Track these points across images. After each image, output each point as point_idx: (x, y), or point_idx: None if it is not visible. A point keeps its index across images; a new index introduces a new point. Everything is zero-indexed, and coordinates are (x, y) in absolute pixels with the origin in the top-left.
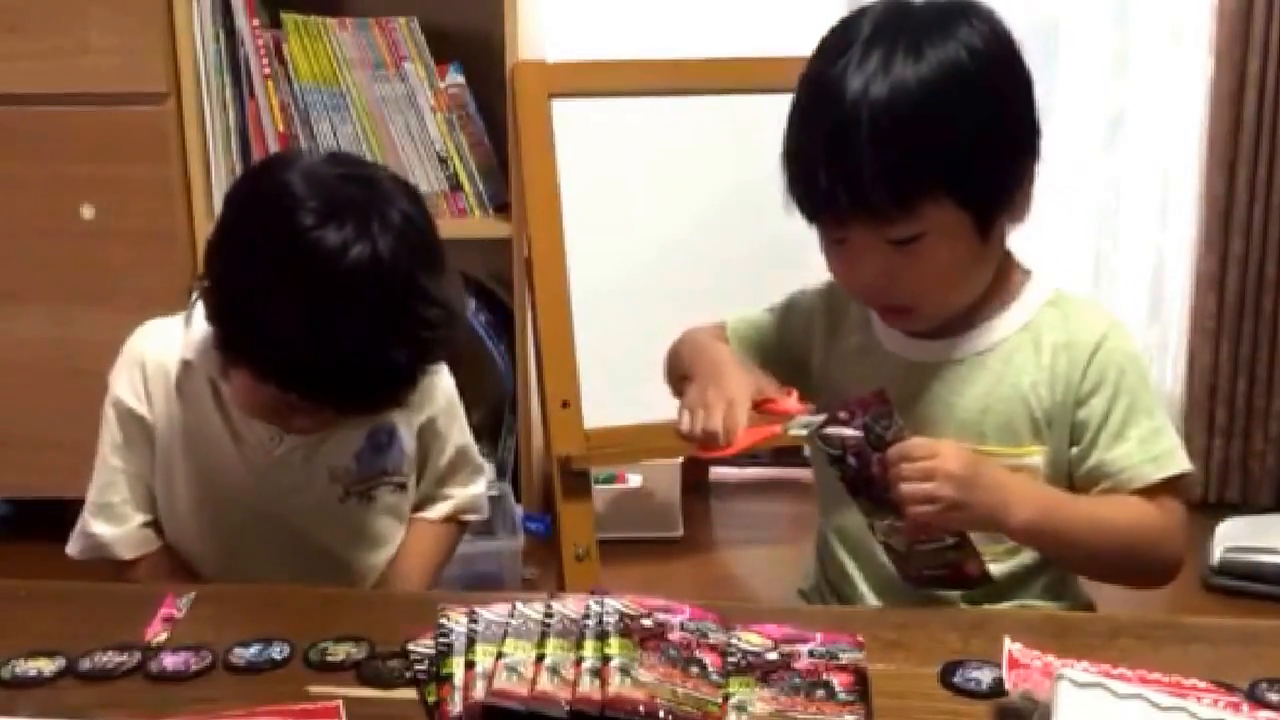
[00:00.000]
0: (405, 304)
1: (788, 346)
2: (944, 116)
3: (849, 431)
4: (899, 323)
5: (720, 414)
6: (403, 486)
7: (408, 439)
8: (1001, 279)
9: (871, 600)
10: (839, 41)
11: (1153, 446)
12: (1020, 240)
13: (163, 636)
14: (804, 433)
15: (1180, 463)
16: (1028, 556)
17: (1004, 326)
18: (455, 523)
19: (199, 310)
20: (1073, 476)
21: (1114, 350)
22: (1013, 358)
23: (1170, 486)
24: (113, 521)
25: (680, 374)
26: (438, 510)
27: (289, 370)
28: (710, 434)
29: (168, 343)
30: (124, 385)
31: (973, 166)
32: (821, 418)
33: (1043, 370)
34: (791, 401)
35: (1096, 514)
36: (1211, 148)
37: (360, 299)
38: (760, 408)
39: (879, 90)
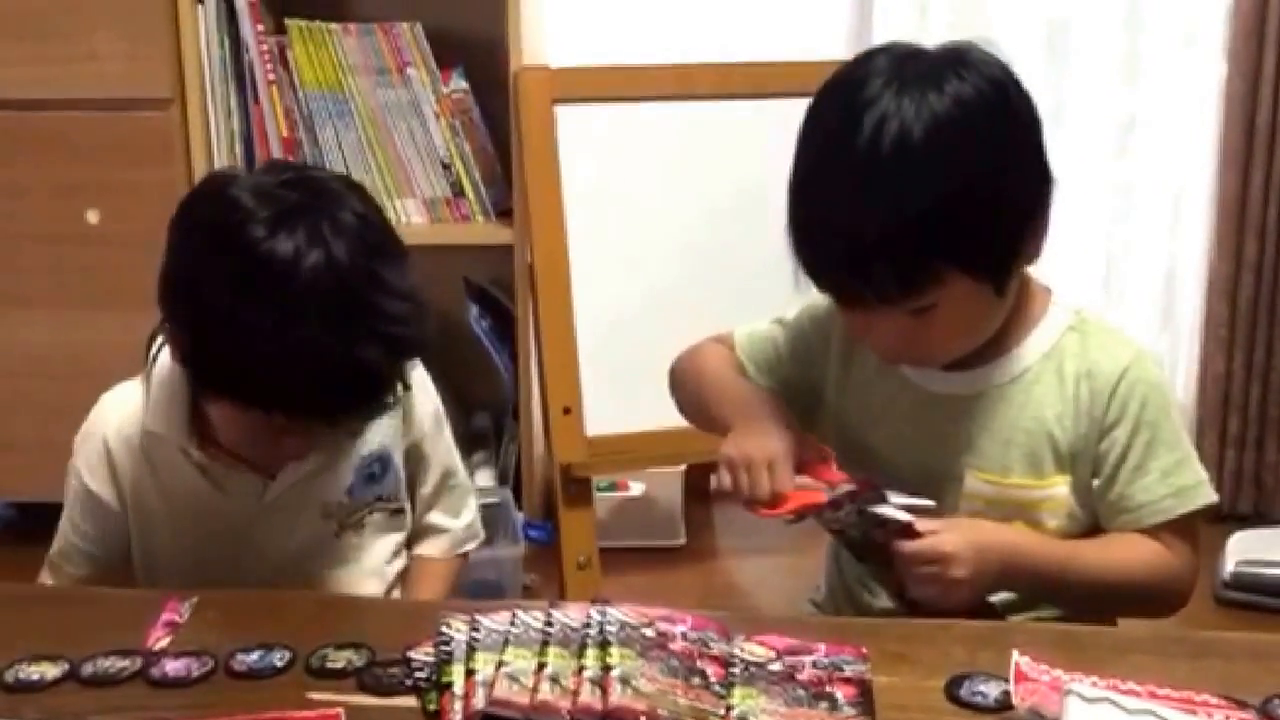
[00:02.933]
0: (370, 303)
1: (801, 366)
2: (949, 195)
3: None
4: (916, 365)
5: (765, 475)
6: (398, 511)
7: (399, 464)
8: (1022, 305)
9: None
10: (840, 113)
11: (1175, 480)
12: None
13: (165, 642)
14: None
15: (1204, 496)
16: None
17: (1026, 356)
18: (455, 561)
19: (157, 371)
20: (1096, 508)
21: (1137, 381)
22: (1034, 388)
23: (1190, 520)
24: (62, 583)
25: (701, 406)
26: (438, 547)
27: (268, 392)
28: (757, 498)
29: (130, 414)
30: (83, 462)
31: (981, 241)
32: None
33: (1066, 401)
34: (833, 469)
35: (1113, 555)
36: (1224, 152)
37: (325, 305)
38: (803, 472)
39: (878, 201)
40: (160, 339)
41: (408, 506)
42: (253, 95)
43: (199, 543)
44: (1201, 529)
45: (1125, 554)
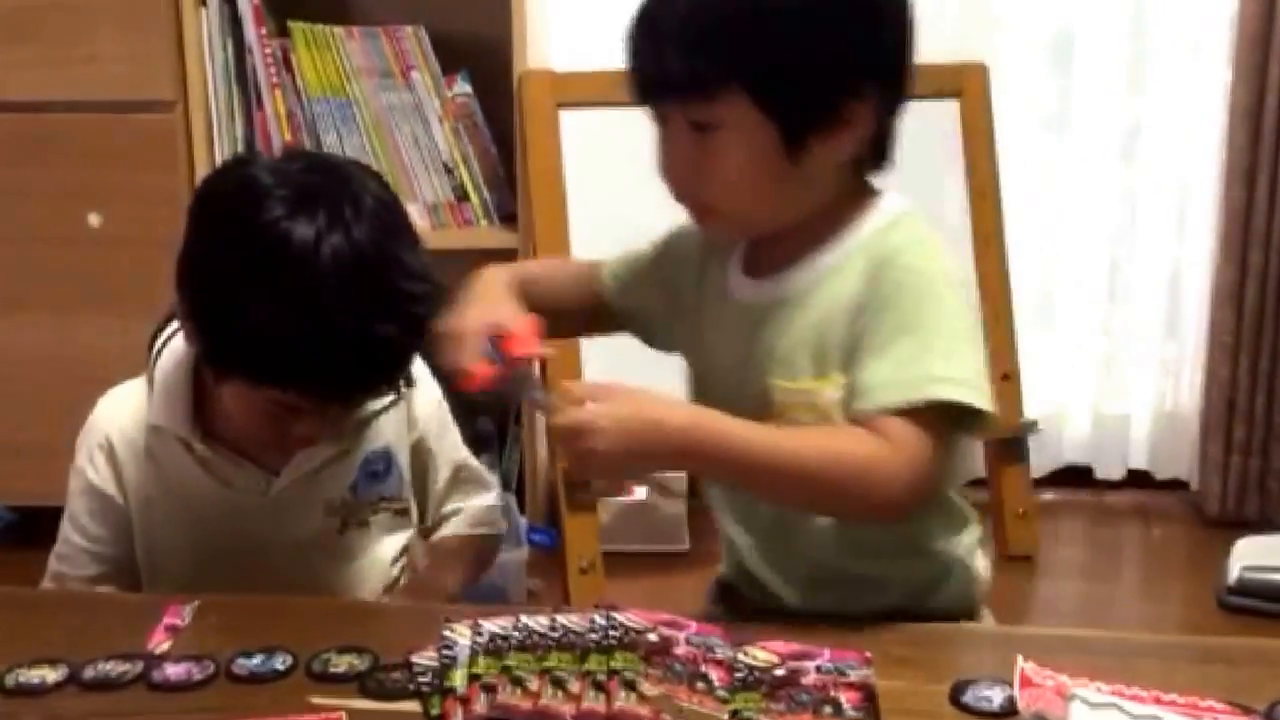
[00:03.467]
0: (389, 282)
1: (666, 280)
2: (753, 9)
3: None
4: (706, 226)
5: (451, 349)
6: (403, 512)
7: (403, 463)
8: (839, 210)
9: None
10: None
11: (912, 368)
12: (1036, 253)
13: (165, 646)
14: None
15: (945, 391)
16: (886, 561)
17: (832, 258)
18: (475, 539)
19: (161, 366)
20: None
21: (903, 267)
22: (830, 284)
23: (929, 417)
24: (69, 586)
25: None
26: (452, 526)
27: (283, 368)
28: (450, 370)
29: (132, 411)
30: (87, 460)
31: (776, 70)
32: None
33: (854, 295)
34: (534, 344)
35: (801, 451)
36: (1230, 160)
37: (345, 285)
38: (499, 345)
39: None
40: (163, 336)
41: (413, 507)
42: (255, 98)
43: (202, 539)
44: (1207, 534)
45: (829, 440)
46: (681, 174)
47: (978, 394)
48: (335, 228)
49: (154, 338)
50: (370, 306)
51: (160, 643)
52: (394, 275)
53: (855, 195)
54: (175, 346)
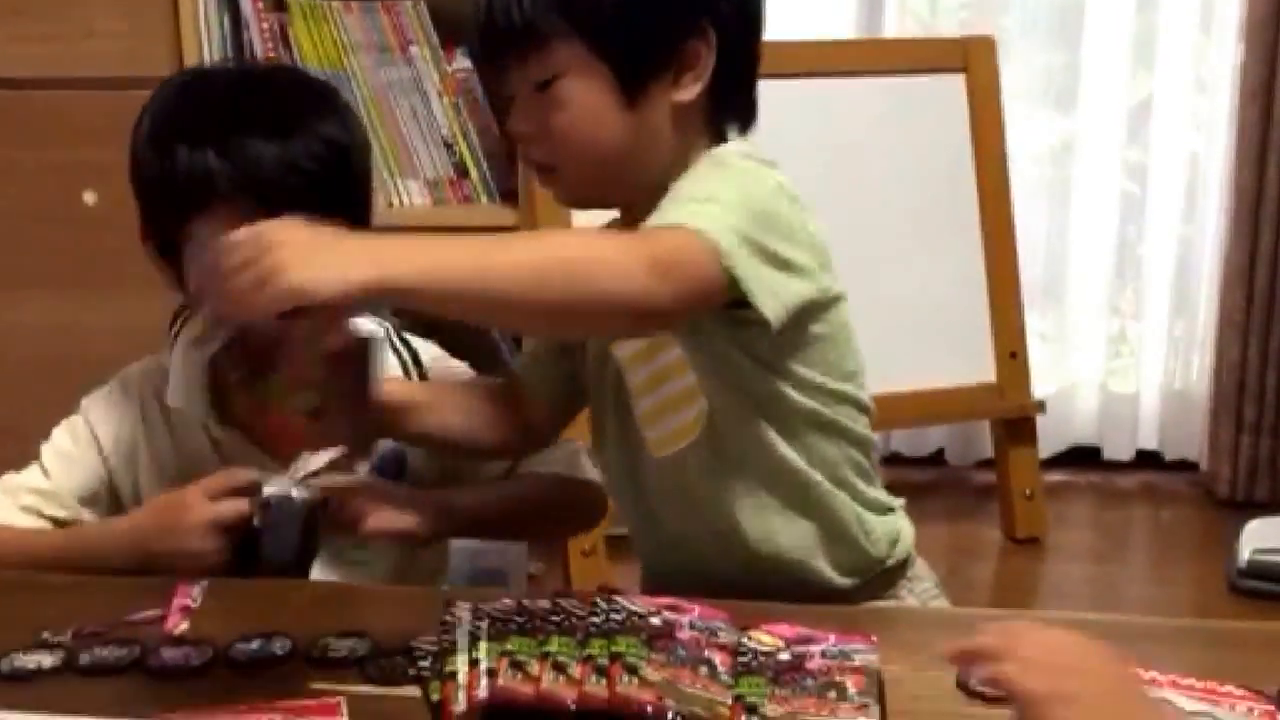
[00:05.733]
0: (289, 98)
1: None
2: None
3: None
4: (549, 187)
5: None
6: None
7: (422, 469)
8: (688, 159)
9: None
10: None
11: (691, 207)
12: (1044, 229)
13: (184, 626)
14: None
15: (697, 228)
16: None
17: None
18: (539, 476)
19: (179, 347)
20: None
21: (715, 156)
22: None
23: (684, 241)
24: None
25: None
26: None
27: (206, 183)
28: None
29: (152, 379)
30: (101, 410)
31: (608, 11)
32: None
33: None
34: None
35: (491, 252)
36: (1240, 137)
37: (245, 98)
38: None
39: None
40: (183, 317)
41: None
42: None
43: None
44: (1217, 516)
45: (556, 235)
46: (524, 133)
47: (721, 226)
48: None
49: (174, 319)
50: (275, 120)
51: (178, 623)
52: (294, 96)
53: (701, 148)
54: (192, 329)
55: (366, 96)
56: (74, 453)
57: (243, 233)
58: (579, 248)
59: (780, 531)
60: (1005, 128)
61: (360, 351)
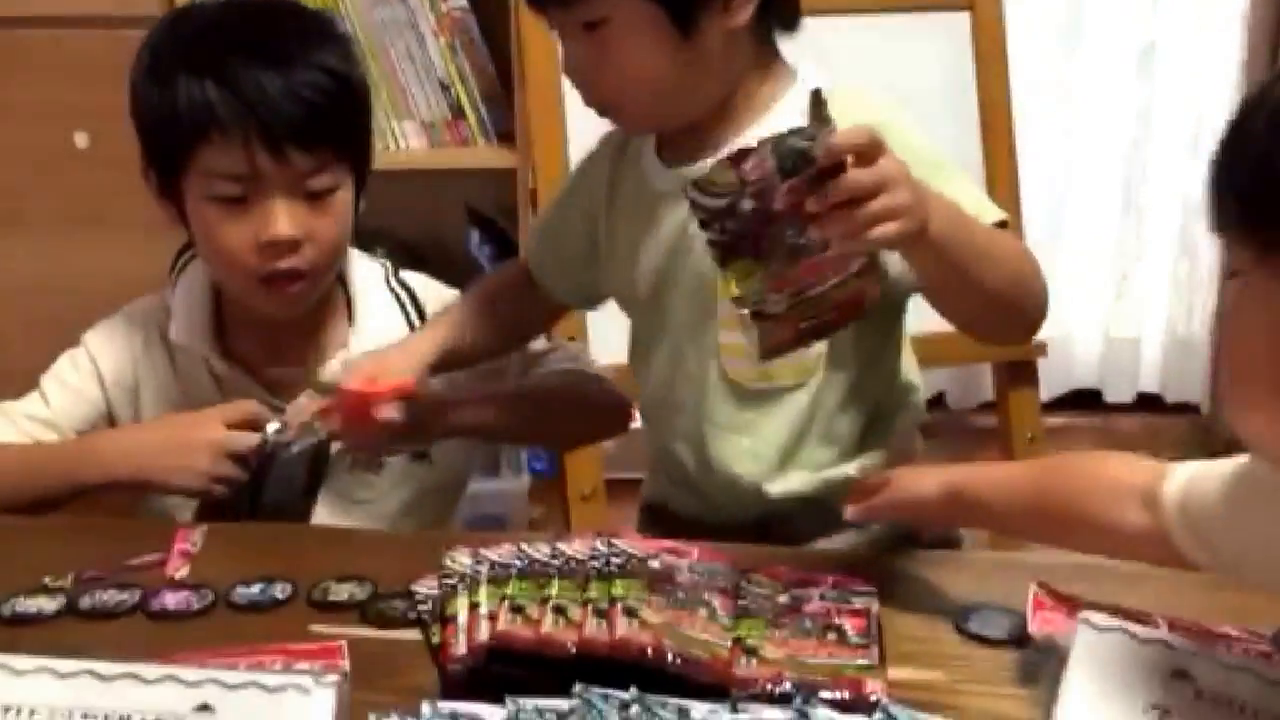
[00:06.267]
0: (290, 34)
1: (585, 218)
2: None
3: (749, 167)
4: (620, 124)
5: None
6: (420, 456)
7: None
8: (754, 89)
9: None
10: None
11: (962, 202)
12: (1047, 170)
13: (184, 571)
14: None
15: (996, 211)
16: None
17: (762, 133)
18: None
19: (182, 284)
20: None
21: (888, 126)
22: None
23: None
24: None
25: None
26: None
27: (204, 116)
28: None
29: (156, 316)
30: (103, 343)
31: None
32: None
33: None
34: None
35: (992, 234)
36: (1248, 78)
37: (245, 33)
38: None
39: None
40: (186, 255)
41: (436, 453)
42: None
43: None
44: (1206, 454)
45: (1002, 235)
46: (583, 77)
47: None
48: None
49: (177, 257)
50: (274, 50)
51: (179, 567)
52: (294, 28)
53: (767, 70)
54: (196, 266)
55: (361, 36)
56: (75, 383)
57: (872, 174)
58: (1022, 247)
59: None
60: (1009, 67)
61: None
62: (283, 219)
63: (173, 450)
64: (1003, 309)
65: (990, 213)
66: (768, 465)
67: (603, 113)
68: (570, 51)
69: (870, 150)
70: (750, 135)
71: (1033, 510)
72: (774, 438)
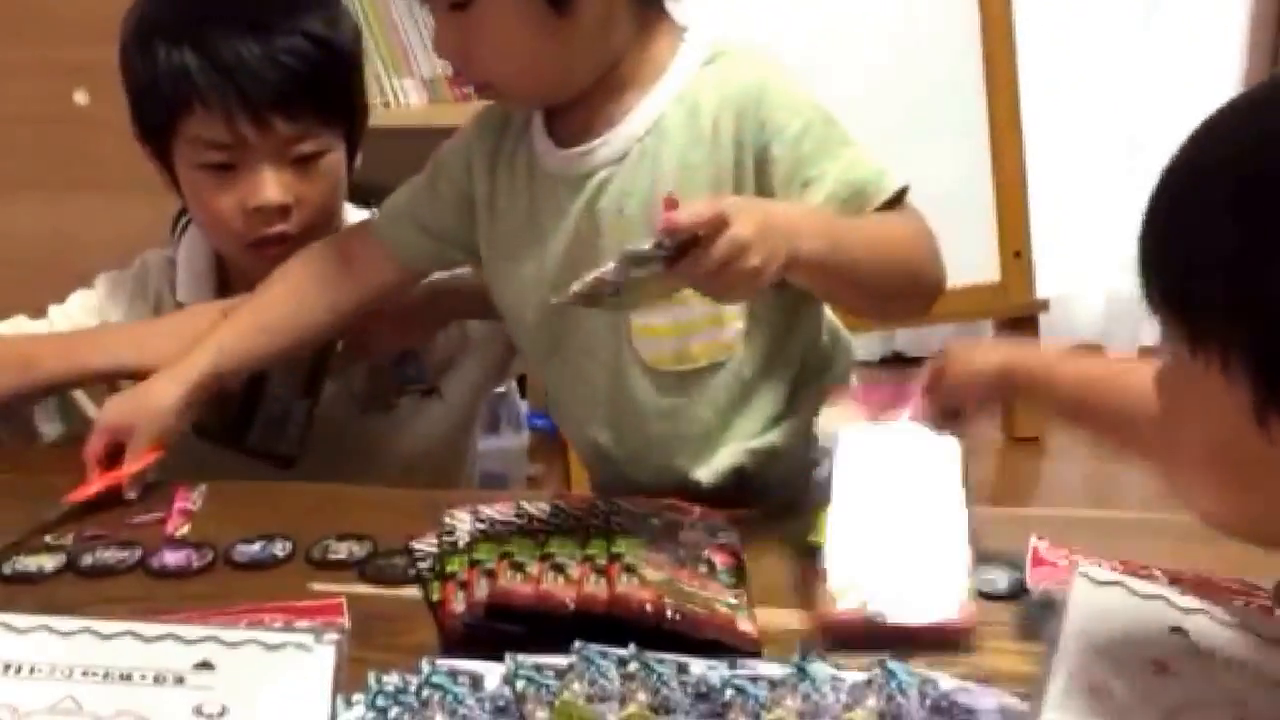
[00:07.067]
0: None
1: (457, 198)
2: None
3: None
4: (498, 102)
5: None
6: (430, 393)
7: (429, 348)
8: (640, 57)
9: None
10: None
11: (857, 172)
12: (1050, 125)
13: (185, 529)
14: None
15: (894, 181)
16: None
17: (654, 104)
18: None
19: (185, 243)
20: None
21: (780, 90)
22: (669, 134)
23: (896, 207)
24: None
25: None
26: None
27: (189, 85)
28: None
29: (171, 274)
30: (113, 290)
31: None
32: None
33: (704, 140)
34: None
35: (873, 230)
36: (1253, 28)
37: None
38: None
39: None
40: (186, 216)
41: (450, 390)
42: None
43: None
44: None
45: (888, 223)
46: (454, 55)
47: (893, 175)
48: None
49: (177, 219)
50: (255, 16)
51: (179, 525)
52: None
53: (652, 34)
54: (196, 227)
55: None
56: (82, 322)
57: (727, 242)
58: (905, 222)
59: (777, 428)
60: (1014, 20)
61: None
62: (270, 186)
63: (185, 339)
64: (890, 297)
65: (888, 182)
66: (695, 448)
67: (481, 92)
68: (440, 33)
69: (716, 221)
70: (652, 98)
71: (1099, 407)
72: (698, 421)
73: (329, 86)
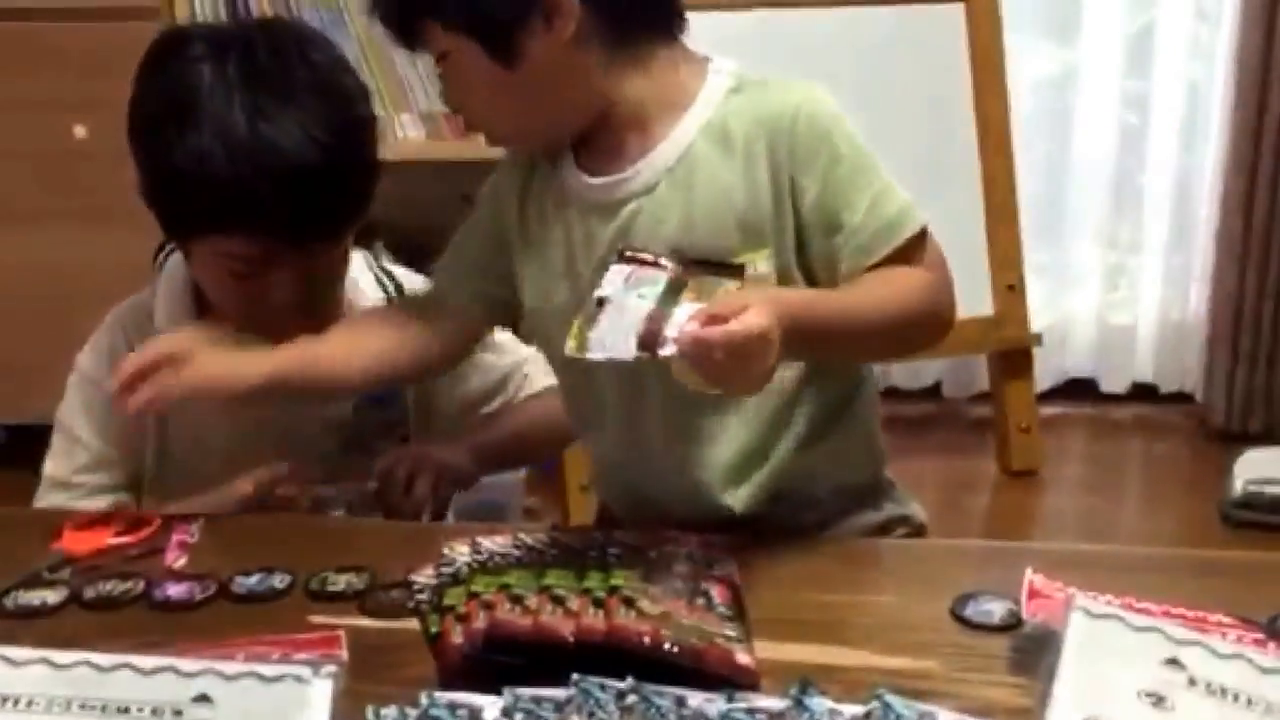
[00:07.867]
0: (299, 104)
1: (492, 237)
2: None
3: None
4: (491, 144)
5: None
6: (407, 440)
7: (408, 393)
8: (664, 88)
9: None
10: None
11: (885, 209)
12: (1041, 160)
13: (183, 561)
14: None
15: (918, 218)
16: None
17: (684, 133)
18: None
19: (165, 275)
20: (812, 266)
21: (813, 118)
22: (699, 161)
23: (919, 243)
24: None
25: None
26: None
27: (214, 202)
28: None
29: (142, 315)
30: (93, 362)
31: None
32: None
33: (737, 169)
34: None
35: (868, 288)
36: (1241, 67)
37: (251, 108)
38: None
39: None
40: (168, 248)
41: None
42: (244, 6)
43: (196, 462)
44: (1210, 446)
45: (892, 285)
46: (450, 104)
47: (917, 212)
48: (246, 60)
49: (158, 251)
50: (281, 129)
51: (178, 558)
52: (303, 68)
53: (673, 64)
54: (178, 258)
55: (360, 29)
56: (94, 408)
57: (742, 331)
58: (910, 278)
59: (814, 450)
60: (1005, 57)
61: None
62: (288, 289)
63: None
64: (894, 346)
65: (912, 219)
66: (729, 471)
67: (473, 132)
68: (441, 82)
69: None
70: (680, 128)
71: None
72: (735, 442)
73: (355, 205)
